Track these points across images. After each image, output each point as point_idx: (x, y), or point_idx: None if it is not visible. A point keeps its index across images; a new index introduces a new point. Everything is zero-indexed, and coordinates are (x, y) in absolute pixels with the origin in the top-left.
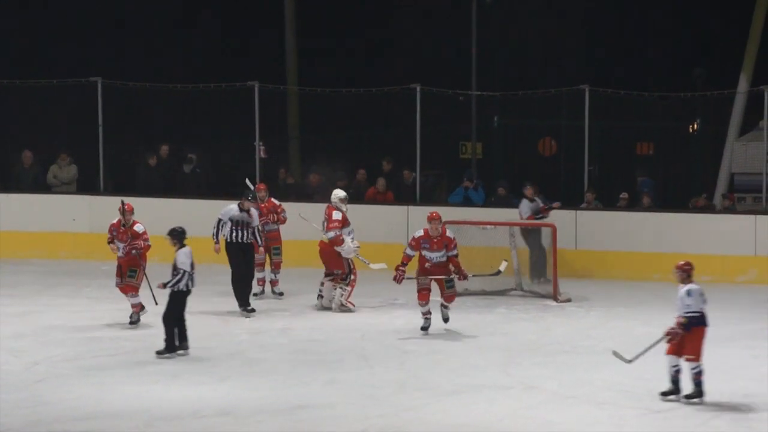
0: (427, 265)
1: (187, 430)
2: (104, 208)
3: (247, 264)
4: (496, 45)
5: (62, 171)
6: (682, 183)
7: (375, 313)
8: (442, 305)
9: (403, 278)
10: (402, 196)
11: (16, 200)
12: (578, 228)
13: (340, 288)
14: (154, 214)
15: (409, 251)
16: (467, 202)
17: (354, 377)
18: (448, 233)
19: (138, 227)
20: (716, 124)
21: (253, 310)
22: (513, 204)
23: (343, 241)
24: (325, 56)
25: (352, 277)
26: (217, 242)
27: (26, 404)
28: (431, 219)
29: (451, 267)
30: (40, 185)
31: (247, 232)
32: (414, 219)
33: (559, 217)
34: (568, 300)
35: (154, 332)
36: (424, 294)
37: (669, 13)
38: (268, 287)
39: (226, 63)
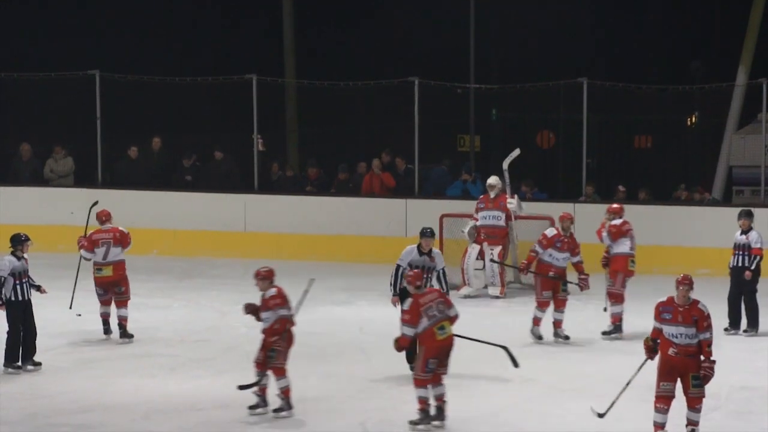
0: (551, 273)
1: (185, 423)
2: (102, 202)
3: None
4: (494, 38)
5: (58, 164)
6: (681, 176)
7: (373, 307)
8: (554, 321)
9: (528, 270)
10: (396, 187)
11: (15, 193)
12: (577, 221)
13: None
14: (149, 208)
15: (538, 248)
16: (466, 195)
17: (352, 370)
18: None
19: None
20: (714, 116)
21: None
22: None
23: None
24: (323, 49)
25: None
26: (396, 293)
27: (25, 397)
28: (564, 219)
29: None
30: (38, 179)
31: (427, 281)
32: (413, 212)
33: (557, 210)
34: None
35: (152, 326)
36: (545, 303)
37: (667, 6)
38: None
39: (224, 56)
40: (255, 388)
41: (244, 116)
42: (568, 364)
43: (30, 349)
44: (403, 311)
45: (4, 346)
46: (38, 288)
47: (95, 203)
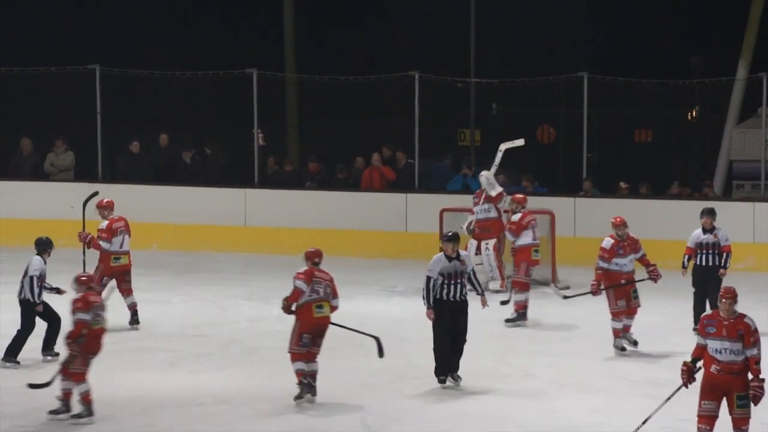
0: (622, 281)
1: (185, 418)
2: (103, 196)
3: (460, 329)
4: (495, 32)
5: (59, 158)
6: (681, 170)
7: (373, 302)
8: (624, 326)
9: (599, 290)
10: (396, 181)
11: (15, 188)
12: (576, 215)
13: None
14: (149, 202)
15: (602, 264)
16: (466, 190)
17: (352, 365)
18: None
19: (103, 223)
20: (715, 111)
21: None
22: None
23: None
24: (324, 44)
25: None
26: (430, 306)
27: (25, 391)
28: (617, 225)
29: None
30: (38, 173)
31: (462, 287)
32: (413, 206)
33: (557, 204)
34: (567, 287)
35: (153, 321)
36: (620, 313)
37: (668, 0)
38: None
39: (225, 50)
40: (59, 393)
41: (245, 111)
42: (567, 359)
43: (52, 339)
44: (297, 273)
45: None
46: (57, 290)
47: (94, 194)
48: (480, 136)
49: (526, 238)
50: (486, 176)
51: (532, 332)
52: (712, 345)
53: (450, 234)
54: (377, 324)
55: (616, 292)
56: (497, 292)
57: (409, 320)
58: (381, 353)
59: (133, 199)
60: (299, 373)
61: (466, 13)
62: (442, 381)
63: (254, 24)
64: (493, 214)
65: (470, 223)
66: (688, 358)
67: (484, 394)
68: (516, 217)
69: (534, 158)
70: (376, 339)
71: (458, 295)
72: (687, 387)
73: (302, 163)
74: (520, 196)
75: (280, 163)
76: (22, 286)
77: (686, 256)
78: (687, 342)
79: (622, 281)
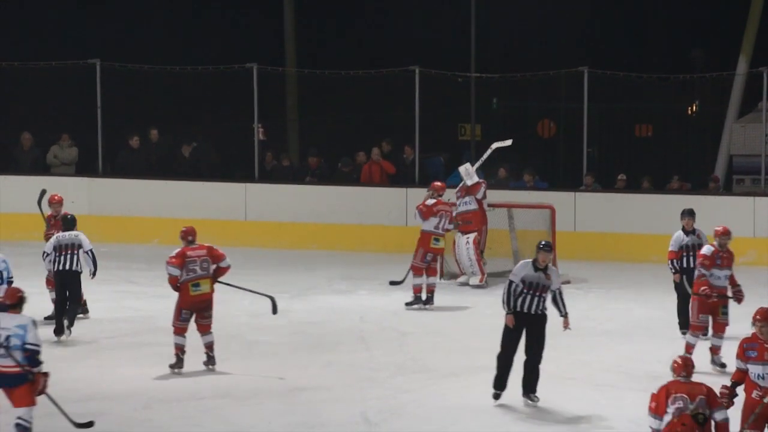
0: (714, 295)
1: (185, 412)
2: (103, 190)
3: (533, 346)
4: (495, 27)
5: (63, 151)
6: (682, 165)
7: (374, 296)
8: (712, 347)
9: (711, 295)
10: (400, 177)
11: (15, 182)
12: (577, 210)
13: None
14: (150, 197)
15: (704, 271)
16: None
17: (352, 359)
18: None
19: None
20: (715, 105)
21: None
22: (512, 186)
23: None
24: (324, 38)
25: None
26: (510, 311)
27: None
28: (722, 234)
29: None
30: (39, 167)
31: (541, 301)
32: (413, 201)
33: (558, 199)
34: (567, 282)
35: (153, 315)
36: (700, 327)
37: None
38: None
39: (225, 45)
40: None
41: (245, 105)
42: (568, 353)
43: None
44: (169, 257)
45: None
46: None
47: (43, 192)
48: (480, 131)
49: (429, 225)
50: (465, 167)
51: None
52: (754, 370)
53: (544, 243)
54: (377, 318)
55: (701, 305)
56: (477, 287)
57: (410, 314)
58: (275, 310)
59: (134, 194)
60: (177, 347)
61: (466, 8)
62: (496, 396)
63: (254, 18)
64: (473, 206)
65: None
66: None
67: (484, 388)
68: (429, 202)
69: (534, 153)
70: (271, 298)
71: (534, 308)
72: (728, 408)
73: (302, 157)
74: (439, 184)
75: (278, 158)
76: (67, 259)
77: (672, 260)
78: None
79: (714, 295)
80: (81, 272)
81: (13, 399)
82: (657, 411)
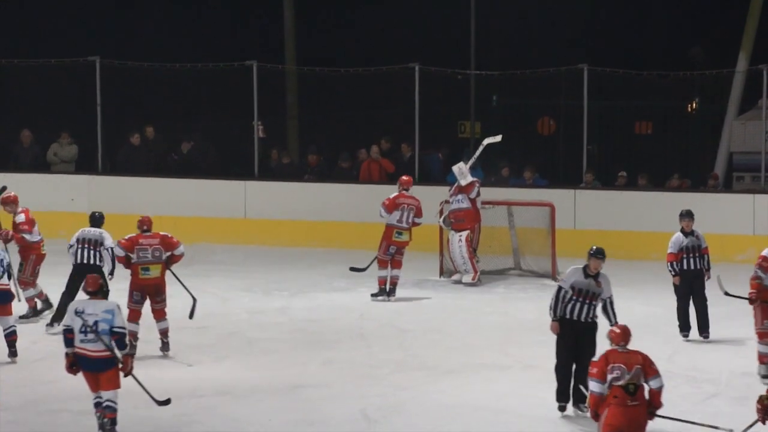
0: None
1: (185, 410)
2: (103, 188)
3: (588, 352)
4: (495, 24)
5: (63, 149)
6: (682, 162)
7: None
8: (760, 355)
9: (757, 299)
10: (399, 174)
11: (15, 180)
12: (577, 207)
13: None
14: (149, 194)
15: (760, 273)
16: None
17: (352, 357)
18: None
19: (19, 217)
20: (715, 102)
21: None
22: (512, 184)
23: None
24: (324, 35)
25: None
26: (556, 318)
27: (25, 383)
28: None
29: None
30: (39, 165)
31: (590, 309)
32: None
33: (558, 196)
34: None
35: None
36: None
37: None
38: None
39: (225, 42)
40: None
41: (245, 103)
42: None
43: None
44: (120, 240)
45: None
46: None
47: (2, 189)
48: (480, 128)
49: (392, 218)
50: (458, 166)
51: (533, 324)
52: None
53: (596, 250)
54: (377, 316)
55: (765, 310)
56: (469, 284)
57: (409, 312)
58: (191, 315)
59: (133, 191)
60: (131, 334)
61: (466, 5)
62: (561, 408)
63: (254, 16)
64: (466, 204)
65: (445, 217)
66: (686, 349)
67: (484, 385)
68: (393, 195)
69: (534, 150)
70: (194, 300)
71: (584, 315)
72: (764, 423)
73: (302, 155)
74: (406, 178)
75: (278, 155)
76: (89, 253)
77: (672, 263)
78: (688, 334)
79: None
80: (102, 266)
81: (101, 383)
82: (598, 376)
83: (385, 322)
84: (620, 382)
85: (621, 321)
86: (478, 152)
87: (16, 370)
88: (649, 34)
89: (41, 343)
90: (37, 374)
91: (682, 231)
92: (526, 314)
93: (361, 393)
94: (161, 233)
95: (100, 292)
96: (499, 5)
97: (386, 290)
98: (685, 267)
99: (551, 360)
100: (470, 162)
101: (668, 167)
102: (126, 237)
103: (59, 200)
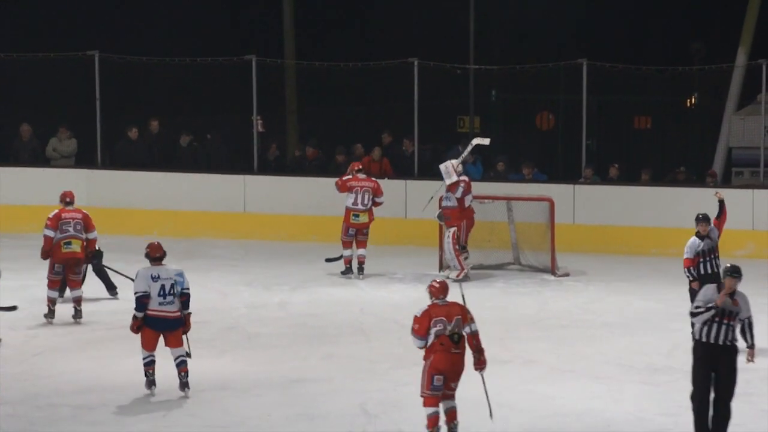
0: None
1: (185, 404)
2: (102, 182)
3: (729, 377)
4: (494, 19)
5: (62, 144)
6: (680, 157)
7: (373, 288)
8: None
9: None
10: (400, 169)
11: (14, 174)
12: (576, 202)
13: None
14: (148, 189)
15: None
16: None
17: (352, 351)
18: None
19: None
20: (714, 97)
21: None
22: (511, 179)
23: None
24: (323, 30)
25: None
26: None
27: (25, 377)
28: None
29: None
30: (38, 159)
31: (729, 330)
32: (412, 193)
33: (557, 191)
34: (567, 274)
35: None
36: None
37: None
38: None
39: (224, 37)
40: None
41: (244, 97)
42: (567, 346)
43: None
44: (47, 219)
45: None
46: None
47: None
48: (479, 123)
49: (349, 201)
50: (445, 165)
51: (532, 319)
52: None
53: (732, 268)
54: (377, 311)
55: None
56: (456, 281)
57: (409, 307)
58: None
59: (133, 186)
60: (49, 300)
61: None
62: None
63: (253, 10)
64: (452, 203)
65: (440, 212)
66: (685, 344)
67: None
68: (346, 178)
69: (533, 145)
70: (133, 280)
71: (723, 338)
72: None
73: (301, 149)
74: (355, 163)
75: (282, 149)
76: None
77: (689, 268)
78: (687, 329)
79: None
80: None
81: (171, 341)
82: (419, 332)
83: (385, 317)
84: (445, 333)
85: (625, 316)
86: (467, 151)
87: (15, 365)
88: (648, 29)
89: (41, 337)
90: (36, 368)
91: (698, 234)
92: (525, 309)
93: (361, 388)
94: (84, 211)
95: (164, 257)
96: (498, 0)
97: (352, 269)
98: (702, 272)
99: (551, 355)
100: (459, 160)
101: (667, 162)
102: (51, 215)
103: (58, 194)
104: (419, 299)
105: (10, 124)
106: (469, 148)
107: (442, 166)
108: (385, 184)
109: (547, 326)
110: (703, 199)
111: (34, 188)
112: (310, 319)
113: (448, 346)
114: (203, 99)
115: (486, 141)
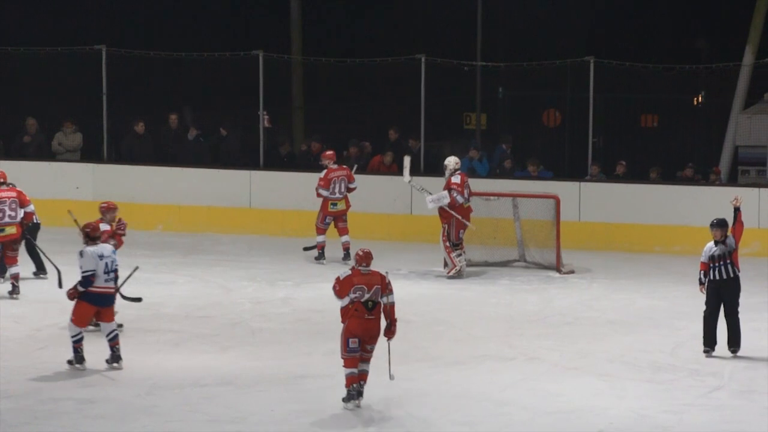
0: None
1: (188, 399)
2: (108, 177)
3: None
4: (502, 16)
5: (67, 139)
6: (687, 155)
7: None
8: None
9: None
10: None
11: (20, 168)
12: (582, 200)
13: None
14: (154, 183)
15: None
16: (472, 173)
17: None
18: None
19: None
20: (721, 96)
21: None
22: (517, 176)
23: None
24: (330, 26)
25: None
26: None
27: (28, 371)
28: None
29: None
30: (44, 153)
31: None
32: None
33: (563, 188)
34: (571, 272)
35: (156, 302)
36: None
37: None
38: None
39: (231, 32)
40: None
41: (251, 92)
42: (571, 343)
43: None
44: None
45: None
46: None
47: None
48: (486, 120)
49: (327, 192)
50: (431, 199)
51: (537, 316)
52: None
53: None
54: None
55: None
56: (449, 278)
57: (413, 303)
58: (60, 285)
59: (138, 180)
60: None
61: None
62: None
63: (261, 6)
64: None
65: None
66: (689, 342)
67: (488, 377)
68: (323, 174)
69: (540, 142)
70: (58, 271)
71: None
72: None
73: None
74: (330, 152)
75: (293, 144)
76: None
77: (702, 272)
78: (691, 327)
79: None
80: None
81: (105, 315)
82: (339, 294)
83: None
84: (361, 300)
85: (629, 313)
86: (405, 168)
87: (18, 358)
88: (655, 27)
89: (44, 331)
90: (40, 362)
91: (714, 240)
92: (530, 306)
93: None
94: (17, 188)
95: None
96: None
97: (324, 255)
98: (712, 277)
99: (555, 352)
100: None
101: (673, 160)
102: None
103: (64, 189)
104: (424, 295)
105: (16, 119)
106: (414, 186)
107: (428, 200)
108: (390, 181)
109: (552, 323)
110: (708, 196)
111: (39, 182)
112: (314, 315)
113: (362, 312)
114: (210, 94)
115: (407, 162)
